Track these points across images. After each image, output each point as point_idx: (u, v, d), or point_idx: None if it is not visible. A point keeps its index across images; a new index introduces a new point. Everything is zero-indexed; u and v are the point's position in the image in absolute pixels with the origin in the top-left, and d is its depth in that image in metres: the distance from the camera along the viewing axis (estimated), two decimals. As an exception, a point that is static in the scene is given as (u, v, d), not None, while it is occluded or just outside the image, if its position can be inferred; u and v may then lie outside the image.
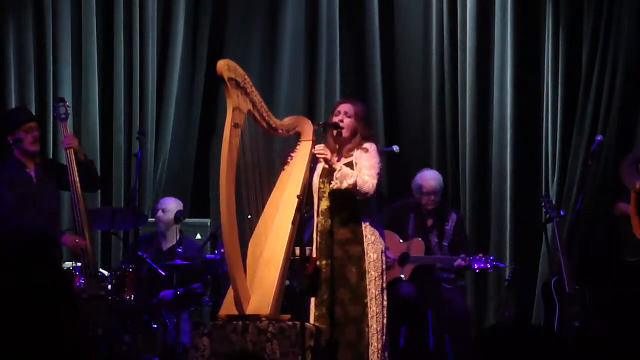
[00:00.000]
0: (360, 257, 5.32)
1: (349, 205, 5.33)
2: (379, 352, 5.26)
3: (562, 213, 6.78)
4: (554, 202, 6.90)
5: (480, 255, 6.47)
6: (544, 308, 6.65)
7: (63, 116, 6.17)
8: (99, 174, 6.75)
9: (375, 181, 5.29)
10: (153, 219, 7.30)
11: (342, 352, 5.25)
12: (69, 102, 6.46)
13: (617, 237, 6.36)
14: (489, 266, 6.45)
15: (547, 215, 6.73)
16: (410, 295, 6.49)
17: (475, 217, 7.70)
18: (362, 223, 5.35)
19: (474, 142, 7.87)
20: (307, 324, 5.07)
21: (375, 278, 5.32)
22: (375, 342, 5.26)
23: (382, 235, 5.42)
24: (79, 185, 6.01)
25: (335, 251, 5.31)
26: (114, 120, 7.95)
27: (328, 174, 5.36)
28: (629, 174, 6.29)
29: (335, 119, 5.43)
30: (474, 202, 7.78)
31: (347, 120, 5.41)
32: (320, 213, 5.39)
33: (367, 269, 5.31)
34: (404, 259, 6.58)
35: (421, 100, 8.14)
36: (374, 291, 5.30)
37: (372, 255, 5.33)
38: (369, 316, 5.27)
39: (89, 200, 6.39)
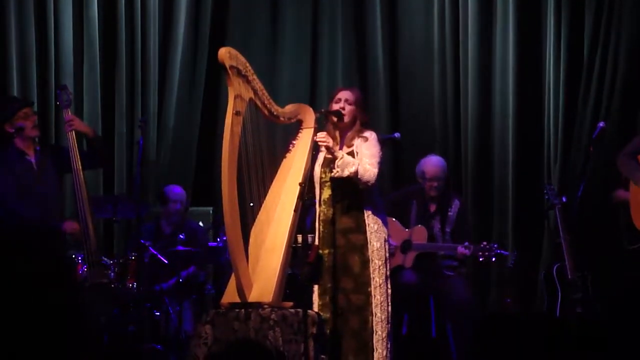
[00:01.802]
0: (364, 245, 5.32)
1: (351, 194, 5.33)
2: (384, 340, 5.27)
3: (564, 200, 6.78)
4: (556, 189, 6.90)
5: (485, 243, 6.47)
6: (546, 295, 6.66)
7: (66, 103, 6.17)
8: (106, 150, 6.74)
9: (376, 170, 5.29)
10: (155, 208, 7.34)
11: (347, 341, 5.25)
12: (70, 90, 6.46)
13: (616, 225, 6.36)
14: (493, 258, 6.45)
15: (550, 203, 6.73)
16: (412, 283, 6.49)
17: (478, 204, 7.70)
18: (365, 212, 5.35)
19: (476, 130, 7.88)
20: (309, 311, 5.07)
21: (379, 267, 5.32)
22: (380, 331, 5.27)
23: (385, 223, 5.42)
24: (81, 173, 6.02)
25: (338, 240, 5.32)
26: (115, 108, 7.95)
27: (330, 163, 5.36)
28: (631, 167, 6.26)
29: (336, 106, 5.43)
30: (476, 189, 7.79)
31: (348, 108, 5.42)
32: (322, 202, 5.39)
33: (370, 257, 5.31)
34: (406, 246, 6.59)
35: (423, 88, 8.14)
36: (377, 280, 5.30)
37: (375, 244, 5.33)
38: (373, 305, 5.27)
39: (91, 188, 6.39)
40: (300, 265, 5.18)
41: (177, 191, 7.36)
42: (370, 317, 5.27)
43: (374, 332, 5.27)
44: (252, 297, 5.10)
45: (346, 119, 5.42)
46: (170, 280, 6.87)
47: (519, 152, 7.68)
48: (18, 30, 7.52)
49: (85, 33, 7.83)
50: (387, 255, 5.39)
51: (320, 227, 5.39)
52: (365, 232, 5.34)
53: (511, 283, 7.39)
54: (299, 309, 5.04)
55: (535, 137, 7.68)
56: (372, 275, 5.30)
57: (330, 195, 5.38)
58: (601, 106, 7.31)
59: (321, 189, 5.42)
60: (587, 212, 6.88)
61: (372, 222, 5.36)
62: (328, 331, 5.22)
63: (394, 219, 6.63)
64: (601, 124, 6.76)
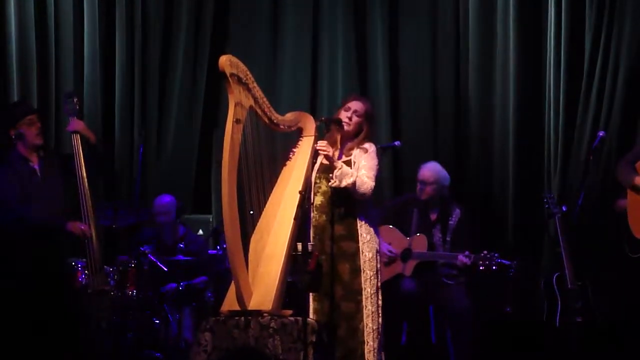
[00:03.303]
0: (355, 254, 5.31)
1: (345, 203, 5.33)
2: (375, 350, 5.26)
3: (564, 209, 6.78)
4: (556, 198, 6.90)
5: (485, 252, 6.46)
6: (546, 304, 6.65)
7: (71, 111, 6.18)
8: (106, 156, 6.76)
9: (373, 183, 5.29)
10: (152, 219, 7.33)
11: (334, 347, 5.24)
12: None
13: (618, 234, 6.36)
14: (494, 267, 6.44)
15: (550, 211, 6.72)
16: (412, 291, 6.49)
17: (478, 213, 7.69)
18: (358, 221, 5.34)
19: (477, 138, 7.89)
20: (309, 319, 5.07)
21: (370, 277, 5.31)
22: (371, 341, 5.26)
23: (377, 234, 5.42)
24: (86, 179, 6.01)
25: (329, 247, 5.30)
26: (116, 115, 7.96)
27: (325, 170, 5.36)
28: (625, 172, 6.31)
29: (344, 114, 5.42)
30: (476, 198, 7.78)
31: (355, 119, 5.40)
32: (315, 208, 5.39)
33: (362, 267, 5.30)
34: (406, 254, 6.58)
35: (424, 96, 8.13)
36: (369, 290, 5.29)
37: (367, 254, 5.33)
38: (365, 315, 5.26)
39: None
40: (300, 273, 5.18)
41: (164, 202, 7.29)
42: (361, 326, 5.26)
43: (366, 343, 5.26)
44: (252, 305, 5.10)
45: (350, 128, 5.41)
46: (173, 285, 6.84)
47: (519, 161, 7.67)
48: (18, 35, 7.53)
49: (86, 39, 7.84)
50: (379, 266, 5.38)
51: (313, 232, 5.39)
52: (357, 242, 5.33)
53: (511, 292, 7.38)
54: (298, 317, 5.03)
55: (535, 146, 7.67)
56: (363, 286, 5.29)
57: (322, 201, 5.38)
58: (601, 115, 7.31)
59: (314, 195, 5.42)
60: (587, 221, 6.88)
61: (364, 232, 5.35)
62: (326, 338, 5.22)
63: (394, 227, 6.64)
64: (601, 133, 6.77)
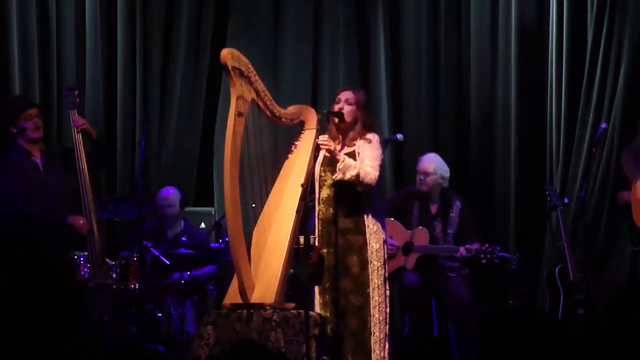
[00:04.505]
0: (362, 246, 5.31)
1: (351, 195, 5.33)
2: (382, 341, 5.27)
3: (566, 201, 6.77)
4: (558, 191, 6.90)
5: (487, 245, 6.46)
6: (548, 296, 6.65)
7: (72, 104, 6.18)
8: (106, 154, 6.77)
9: (377, 173, 5.29)
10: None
11: (346, 341, 5.25)
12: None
13: (621, 226, 6.36)
14: (495, 260, 6.43)
15: (552, 204, 6.72)
16: (414, 284, 6.49)
17: (480, 205, 7.69)
18: (364, 213, 5.34)
19: (479, 132, 7.88)
20: (311, 312, 5.07)
21: (377, 268, 5.31)
22: (377, 332, 5.26)
23: (383, 225, 5.42)
24: (87, 173, 6.02)
25: (337, 240, 5.30)
26: (117, 108, 7.95)
27: (329, 162, 5.36)
28: (632, 167, 6.28)
29: (336, 107, 5.43)
30: (478, 190, 7.77)
31: (347, 108, 5.41)
32: (321, 201, 5.39)
33: (369, 258, 5.30)
34: (408, 248, 6.58)
35: (426, 89, 8.12)
36: (376, 281, 5.30)
37: (374, 245, 5.32)
38: (372, 306, 5.27)
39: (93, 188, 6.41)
40: (302, 266, 5.18)
41: (168, 194, 7.28)
42: (369, 318, 5.27)
43: (372, 334, 5.27)
44: (254, 298, 5.10)
45: (346, 119, 5.41)
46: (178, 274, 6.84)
47: (520, 154, 7.67)
48: (20, 30, 7.52)
49: (88, 36, 7.83)
50: (386, 256, 5.39)
51: (319, 226, 5.39)
52: (364, 233, 5.33)
53: (513, 284, 7.38)
54: (301, 310, 5.04)
55: (537, 138, 7.66)
56: (370, 277, 5.30)
57: (328, 194, 5.38)
58: (603, 107, 7.30)
59: (320, 188, 5.42)
60: (589, 213, 6.87)
61: (371, 224, 5.35)
62: (329, 330, 5.22)
63: (395, 220, 6.63)
64: (603, 124, 6.76)
